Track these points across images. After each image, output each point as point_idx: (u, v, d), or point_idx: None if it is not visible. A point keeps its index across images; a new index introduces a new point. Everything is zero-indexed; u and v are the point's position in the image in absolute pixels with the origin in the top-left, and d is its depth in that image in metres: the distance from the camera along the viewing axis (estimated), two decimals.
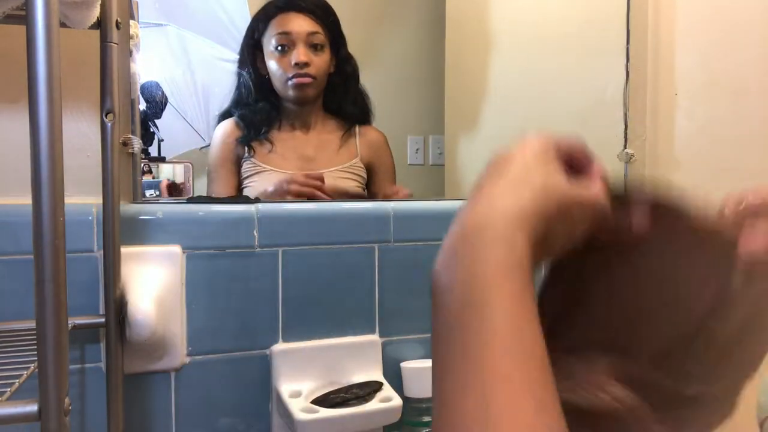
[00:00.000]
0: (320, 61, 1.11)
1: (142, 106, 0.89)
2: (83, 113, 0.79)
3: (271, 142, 1.09)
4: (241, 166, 1.07)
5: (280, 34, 1.09)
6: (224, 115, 1.09)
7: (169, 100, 0.98)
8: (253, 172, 1.07)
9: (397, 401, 0.81)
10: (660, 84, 1.09)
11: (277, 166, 1.08)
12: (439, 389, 0.31)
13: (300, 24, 1.10)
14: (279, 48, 1.09)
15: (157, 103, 0.96)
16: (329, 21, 1.11)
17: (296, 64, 1.08)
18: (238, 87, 1.10)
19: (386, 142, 1.17)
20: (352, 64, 1.15)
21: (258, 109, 1.09)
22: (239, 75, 1.10)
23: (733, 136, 0.95)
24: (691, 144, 1.03)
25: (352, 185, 1.12)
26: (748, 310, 0.36)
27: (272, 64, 1.10)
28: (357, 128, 1.15)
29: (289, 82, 1.09)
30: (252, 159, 1.07)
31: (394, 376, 0.90)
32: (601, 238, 0.38)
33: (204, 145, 1.07)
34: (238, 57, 1.11)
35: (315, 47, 1.10)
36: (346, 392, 0.82)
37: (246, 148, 1.07)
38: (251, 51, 1.11)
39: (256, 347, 0.85)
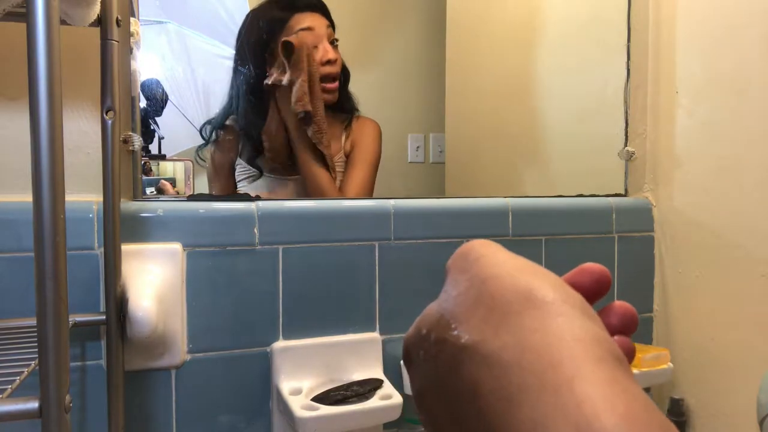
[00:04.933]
0: (340, 59, 1.07)
1: (143, 103, 0.89)
2: (84, 111, 0.79)
3: (265, 153, 1.05)
4: (235, 170, 1.05)
5: (303, 30, 1.04)
6: (220, 118, 1.05)
7: (169, 97, 0.98)
8: (246, 176, 1.05)
9: (397, 399, 0.81)
10: (661, 82, 1.08)
11: (271, 171, 1.05)
12: None
13: (320, 20, 1.06)
14: None
15: (157, 101, 0.96)
16: (331, 19, 1.08)
17: (328, 61, 1.04)
18: (235, 89, 1.05)
19: (373, 130, 1.11)
20: (344, 65, 1.11)
21: (255, 119, 1.04)
22: (237, 74, 1.06)
23: (733, 134, 0.95)
24: (691, 142, 1.03)
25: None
26: None
27: None
28: (353, 123, 1.11)
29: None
30: (245, 163, 1.05)
31: (395, 374, 0.90)
32: None
33: (200, 144, 1.04)
34: (235, 56, 1.06)
35: (332, 43, 1.07)
36: (346, 390, 0.82)
37: (240, 154, 1.04)
38: (255, 51, 1.04)
39: (257, 345, 0.85)
